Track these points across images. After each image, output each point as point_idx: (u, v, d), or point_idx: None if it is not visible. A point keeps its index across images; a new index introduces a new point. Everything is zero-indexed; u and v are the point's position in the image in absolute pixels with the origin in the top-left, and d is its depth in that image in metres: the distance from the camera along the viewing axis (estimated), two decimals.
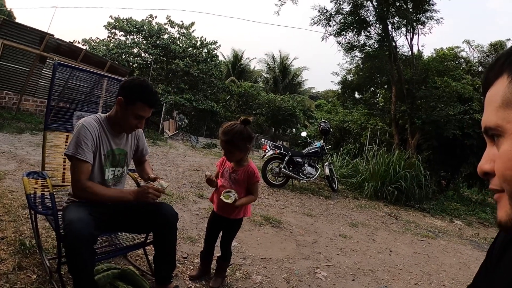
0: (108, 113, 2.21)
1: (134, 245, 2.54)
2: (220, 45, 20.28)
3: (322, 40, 11.32)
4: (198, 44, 19.62)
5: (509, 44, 16.14)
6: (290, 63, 35.17)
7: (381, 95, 13.52)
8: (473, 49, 15.87)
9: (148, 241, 2.50)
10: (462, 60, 14.62)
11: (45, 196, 2.20)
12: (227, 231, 2.80)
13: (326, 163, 7.93)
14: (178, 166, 7.47)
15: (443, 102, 9.70)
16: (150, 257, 2.58)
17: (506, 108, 0.58)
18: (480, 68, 15.51)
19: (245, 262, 3.39)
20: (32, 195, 2.04)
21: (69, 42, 11.89)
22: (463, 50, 15.35)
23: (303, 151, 7.91)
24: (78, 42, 18.28)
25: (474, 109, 9.66)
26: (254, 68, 36.28)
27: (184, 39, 19.41)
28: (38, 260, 2.46)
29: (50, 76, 2.68)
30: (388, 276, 3.70)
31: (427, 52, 23.09)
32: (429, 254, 4.55)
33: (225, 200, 2.43)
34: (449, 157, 10.31)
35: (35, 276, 2.24)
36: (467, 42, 15.93)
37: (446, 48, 14.75)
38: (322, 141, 7.98)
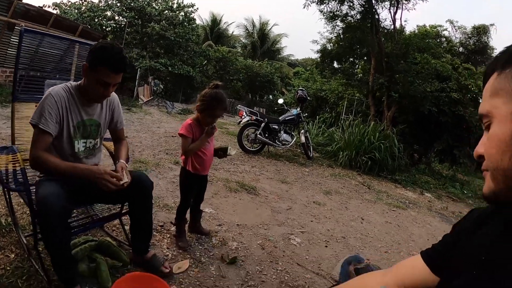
0: (79, 82, 2.03)
1: (110, 216, 2.44)
2: (198, 8, 19.44)
3: (304, 7, 11.05)
4: (174, 6, 18.86)
5: (492, 29, 16.32)
6: (270, 29, 34.52)
7: (359, 66, 13.47)
8: (455, 29, 16.00)
9: (123, 211, 2.42)
10: (444, 39, 14.70)
11: (17, 172, 2.06)
12: (203, 186, 2.99)
13: (302, 131, 7.91)
14: (153, 133, 7.28)
15: (421, 78, 9.74)
16: (127, 227, 2.51)
17: (494, 97, 0.72)
18: (461, 49, 15.66)
19: (221, 228, 3.36)
20: (4, 172, 1.91)
21: (39, 6, 11.09)
22: (445, 29, 15.41)
23: (280, 118, 7.83)
24: (48, 7, 17.25)
25: (451, 88, 9.74)
26: (232, 33, 35.43)
27: (160, 1, 18.57)
28: (15, 238, 2.35)
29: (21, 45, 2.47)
30: (360, 243, 3.77)
31: (409, 28, 23.21)
32: (399, 224, 4.66)
33: (233, 153, 2.78)
34: (423, 132, 10.49)
35: (13, 255, 2.17)
36: (451, 22, 15.99)
37: (429, 25, 14.75)
38: (298, 109, 7.91)
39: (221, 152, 2.85)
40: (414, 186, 7.70)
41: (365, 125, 8.76)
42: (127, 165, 2.12)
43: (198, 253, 2.79)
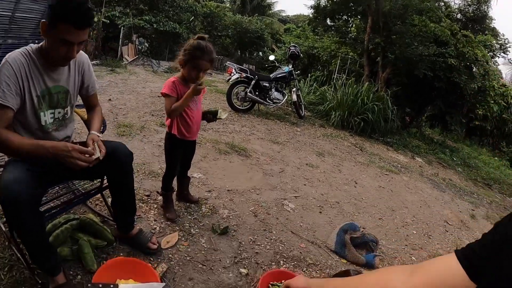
0: (41, 43, 1.69)
1: (91, 190, 2.20)
2: None
3: None
4: None
5: None
6: None
7: (354, 25, 12.96)
8: None
9: (104, 185, 2.19)
10: (443, 3, 14.11)
11: None
12: (191, 152, 2.77)
13: (294, 89, 7.62)
14: (138, 94, 6.85)
15: (418, 41, 9.37)
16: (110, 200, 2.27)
17: None
18: (459, 16, 15.14)
19: (210, 195, 3.18)
20: None
21: None
22: None
23: (270, 76, 7.49)
24: None
25: (449, 54, 9.42)
26: None
27: None
28: None
29: None
30: (354, 209, 3.66)
31: None
32: (392, 189, 4.56)
33: (223, 117, 2.50)
34: (416, 95, 10.30)
35: None
36: None
37: None
38: (290, 66, 7.57)
39: (211, 116, 2.57)
40: (405, 149, 7.61)
41: (359, 85, 8.51)
42: (100, 135, 1.86)
43: (187, 224, 2.62)
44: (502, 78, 17.06)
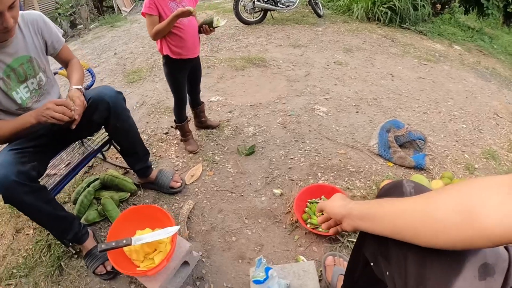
0: None
1: (103, 144, 2.09)
2: None
3: None
4: None
5: None
6: None
7: None
8: None
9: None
10: None
11: None
12: (197, 72, 2.40)
13: None
14: (143, 38, 6.40)
15: None
16: None
17: None
18: None
19: (232, 115, 2.88)
20: None
21: None
22: None
23: None
24: None
25: None
26: None
27: None
28: None
29: None
30: (395, 104, 3.25)
31: None
32: (433, 80, 4.04)
33: (221, 24, 2.07)
34: None
35: (32, 231, 2.06)
36: None
37: None
38: None
39: (207, 26, 2.11)
40: (441, 37, 6.83)
41: None
42: (80, 87, 1.68)
43: (210, 152, 2.41)
44: None
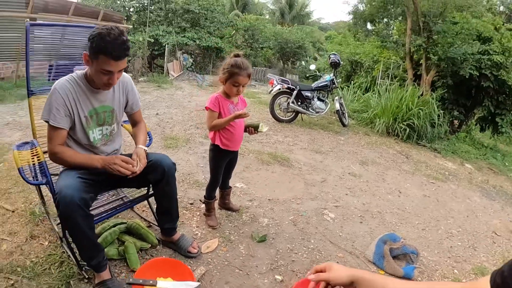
0: (86, 69, 1.95)
1: (138, 198, 2.45)
2: None
3: None
4: None
5: None
6: None
7: (394, 27, 12.66)
8: None
9: (150, 193, 2.41)
10: None
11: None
12: (234, 162, 2.95)
13: (337, 97, 7.64)
14: (184, 108, 7.21)
15: (461, 39, 8.93)
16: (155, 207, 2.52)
17: None
18: (501, 8, 14.26)
19: (252, 204, 3.33)
20: (27, 167, 1.92)
21: None
22: None
23: (312, 85, 7.55)
24: None
25: (494, 50, 8.86)
26: (258, 0, 34.23)
27: None
28: (48, 227, 2.46)
29: (44, 37, 2.52)
30: (396, 219, 3.64)
31: None
32: (438, 198, 4.46)
33: (264, 130, 2.61)
34: (463, 97, 9.78)
35: (47, 243, 2.27)
36: None
37: None
38: (332, 74, 7.56)
39: (252, 129, 2.72)
40: (454, 155, 7.32)
41: (403, 90, 8.29)
42: (146, 148, 2.11)
43: (227, 231, 2.78)
44: None
